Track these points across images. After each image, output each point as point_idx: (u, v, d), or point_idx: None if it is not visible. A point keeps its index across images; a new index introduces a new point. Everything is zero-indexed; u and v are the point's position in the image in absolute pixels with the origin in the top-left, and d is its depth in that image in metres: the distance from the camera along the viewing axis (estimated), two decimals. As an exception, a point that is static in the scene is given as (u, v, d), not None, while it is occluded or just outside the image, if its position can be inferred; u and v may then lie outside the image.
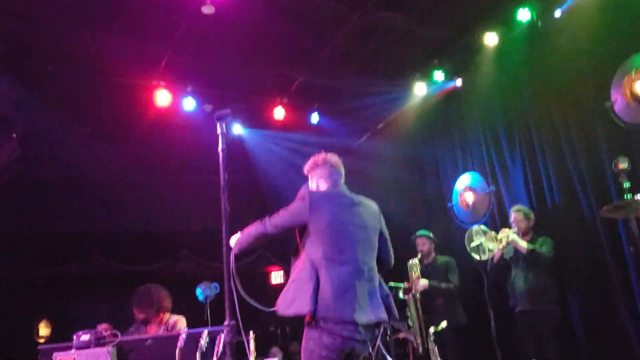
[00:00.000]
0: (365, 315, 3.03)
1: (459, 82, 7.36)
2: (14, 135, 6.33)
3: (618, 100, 4.88)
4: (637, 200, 4.03)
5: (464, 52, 7.06)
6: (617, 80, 4.90)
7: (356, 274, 3.12)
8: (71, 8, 5.50)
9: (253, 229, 3.31)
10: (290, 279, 3.17)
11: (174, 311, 5.59)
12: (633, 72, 4.74)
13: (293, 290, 3.09)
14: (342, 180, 3.48)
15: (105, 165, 7.63)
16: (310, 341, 3.02)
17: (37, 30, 5.76)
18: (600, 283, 5.48)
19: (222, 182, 2.89)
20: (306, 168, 3.55)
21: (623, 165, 4.35)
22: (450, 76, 7.35)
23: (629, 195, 4.22)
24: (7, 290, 8.04)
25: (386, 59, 7.08)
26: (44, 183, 7.71)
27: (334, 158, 3.51)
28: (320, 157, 3.51)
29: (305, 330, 3.06)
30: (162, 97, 6.71)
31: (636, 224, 4.33)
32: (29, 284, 8.27)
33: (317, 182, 3.47)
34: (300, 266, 3.13)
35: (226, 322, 2.71)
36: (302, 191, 3.32)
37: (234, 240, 3.35)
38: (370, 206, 3.41)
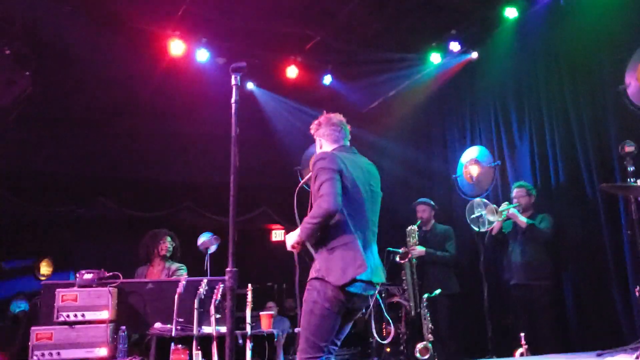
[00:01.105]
0: (380, 276, 3.17)
1: (474, 54, 7.30)
2: (28, 73, 6.34)
3: (631, 84, 4.86)
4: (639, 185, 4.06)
5: (482, 25, 6.98)
6: (632, 64, 4.87)
7: (374, 237, 3.22)
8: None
9: (311, 217, 3.03)
10: (327, 246, 3.05)
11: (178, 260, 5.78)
12: (649, 58, 4.71)
13: (339, 257, 3.01)
14: (348, 140, 3.45)
15: (116, 110, 7.66)
16: (315, 292, 3.02)
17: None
18: (596, 263, 5.57)
19: (233, 134, 2.88)
20: (312, 129, 3.52)
21: (629, 148, 4.39)
22: (466, 48, 7.28)
23: (631, 179, 4.26)
24: (11, 227, 8.20)
25: (404, 26, 7.02)
26: (54, 123, 7.76)
27: (338, 117, 3.47)
28: (324, 116, 3.48)
29: (312, 282, 3.06)
30: (177, 47, 6.70)
31: (636, 207, 4.38)
32: (33, 223, 8.43)
33: (321, 143, 3.44)
34: (334, 231, 3.05)
35: (228, 268, 2.76)
36: (318, 155, 3.23)
37: (292, 237, 3.18)
38: (376, 170, 3.43)
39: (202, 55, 6.91)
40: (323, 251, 3.07)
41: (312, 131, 3.51)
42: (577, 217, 5.78)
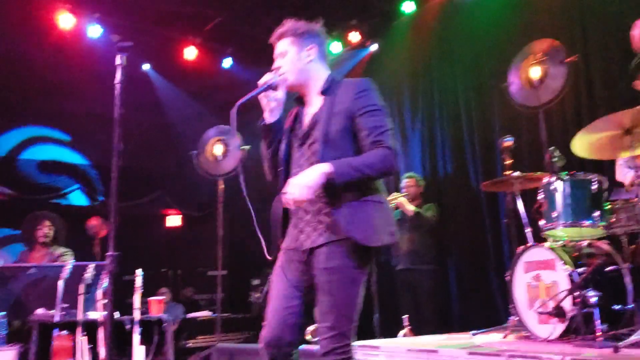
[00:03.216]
0: None
1: (373, 47, 7.48)
2: None
3: (514, 82, 5.15)
4: (515, 176, 4.36)
5: (381, 17, 7.18)
6: (516, 64, 5.14)
7: None
8: None
9: (369, 166, 2.30)
10: (358, 198, 2.31)
11: (64, 244, 5.50)
12: (531, 58, 5.02)
13: (373, 212, 2.32)
14: None
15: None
16: (353, 254, 2.28)
17: None
18: (477, 250, 5.96)
19: (116, 115, 2.79)
20: (302, 29, 2.57)
21: (508, 143, 4.68)
22: (365, 39, 7.44)
23: (509, 171, 4.56)
24: None
25: (307, 13, 7.01)
26: None
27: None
28: (321, 27, 2.62)
29: (342, 242, 2.28)
30: (66, 20, 6.33)
31: (512, 198, 4.72)
32: None
33: (318, 64, 2.61)
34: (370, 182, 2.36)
35: (109, 253, 2.67)
36: (368, 82, 2.60)
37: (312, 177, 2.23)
38: None
39: (95, 31, 6.58)
40: (349, 203, 2.29)
41: (302, 34, 2.57)
42: (461, 207, 6.16)
